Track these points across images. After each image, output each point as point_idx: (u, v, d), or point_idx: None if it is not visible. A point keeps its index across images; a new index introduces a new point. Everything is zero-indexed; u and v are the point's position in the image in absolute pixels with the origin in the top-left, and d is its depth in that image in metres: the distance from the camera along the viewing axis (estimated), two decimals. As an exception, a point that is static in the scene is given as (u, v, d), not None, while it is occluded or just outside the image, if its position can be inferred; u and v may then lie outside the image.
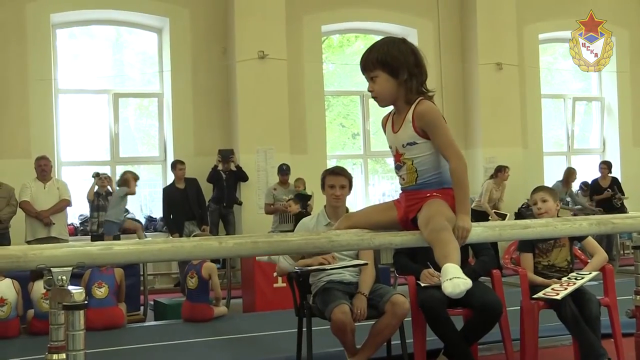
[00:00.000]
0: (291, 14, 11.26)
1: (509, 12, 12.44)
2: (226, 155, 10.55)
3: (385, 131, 3.09)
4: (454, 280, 2.58)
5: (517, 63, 12.54)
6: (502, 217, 10.81)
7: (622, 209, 11.94)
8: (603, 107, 14.04)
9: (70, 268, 2.36)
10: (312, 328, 4.76)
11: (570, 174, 11.94)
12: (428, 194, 2.90)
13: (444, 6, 12.49)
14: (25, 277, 6.93)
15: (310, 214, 7.59)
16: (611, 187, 11.92)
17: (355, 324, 4.55)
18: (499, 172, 11.29)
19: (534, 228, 3.04)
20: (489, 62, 12.22)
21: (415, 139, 2.91)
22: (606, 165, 12.19)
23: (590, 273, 4.81)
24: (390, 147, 3.05)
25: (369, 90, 3.01)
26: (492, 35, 12.27)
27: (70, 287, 2.32)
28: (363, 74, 3.01)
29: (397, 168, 3.03)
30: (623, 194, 12.06)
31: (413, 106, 2.92)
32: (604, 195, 11.86)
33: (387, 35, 13.09)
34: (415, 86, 2.93)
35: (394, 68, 2.90)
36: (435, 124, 2.89)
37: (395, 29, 12.56)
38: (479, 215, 10.13)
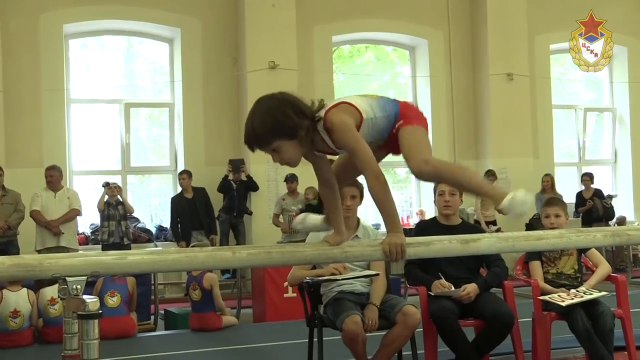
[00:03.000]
0: (302, 24, 11.30)
1: (519, 23, 12.43)
2: (237, 165, 10.58)
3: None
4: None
5: (528, 73, 12.52)
6: (493, 223, 10.95)
7: (610, 211, 11.94)
8: (615, 118, 13.99)
9: (85, 277, 2.37)
10: (323, 338, 4.75)
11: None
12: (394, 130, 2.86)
13: (454, 16, 12.50)
14: (32, 285, 6.97)
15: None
16: (593, 198, 11.87)
17: (367, 334, 4.54)
18: (485, 177, 11.39)
19: (548, 239, 3.03)
20: (500, 72, 12.21)
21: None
22: (588, 177, 12.18)
23: (599, 291, 4.80)
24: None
25: (275, 161, 2.81)
26: (503, 46, 12.26)
27: (84, 297, 2.33)
28: (257, 150, 2.80)
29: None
30: (605, 199, 12.06)
31: (323, 128, 2.78)
32: (587, 206, 11.85)
33: (396, 45, 12.89)
34: (311, 128, 2.77)
35: (288, 131, 2.72)
36: (346, 141, 2.73)
37: (406, 40, 12.58)
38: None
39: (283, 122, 2.70)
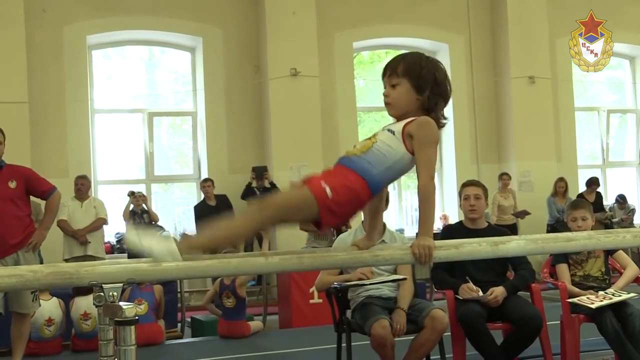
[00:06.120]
0: (323, 31, 11.33)
1: (540, 25, 12.39)
2: (260, 172, 10.61)
3: None
4: None
5: (550, 76, 12.46)
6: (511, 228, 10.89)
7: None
8: (638, 119, 13.88)
9: (121, 284, 2.41)
10: (352, 343, 4.77)
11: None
12: None
13: (475, 20, 12.48)
14: (65, 294, 7.03)
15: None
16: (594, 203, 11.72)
17: (395, 339, 4.55)
18: (499, 181, 11.36)
19: (577, 241, 3.03)
20: (522, 75, 12.17)
21: (397, 132, 2.78)
22: (595, 184, 12.01)
23: (628, 293, 4.79)
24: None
25: (384, 95, 2.88)
26: (524, 49, 12.22)
27: (121, 303, 2.37)
28: (383, 77, 2.90)
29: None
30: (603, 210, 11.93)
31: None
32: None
33: (417, 50, 12.97)
34: (432, 108, 2.84)
35: (420, 83, 2.81)
36: (427, 139, 2.75)
37: (426, 44, 12.57)
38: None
39: (424, 76, 2.83)
